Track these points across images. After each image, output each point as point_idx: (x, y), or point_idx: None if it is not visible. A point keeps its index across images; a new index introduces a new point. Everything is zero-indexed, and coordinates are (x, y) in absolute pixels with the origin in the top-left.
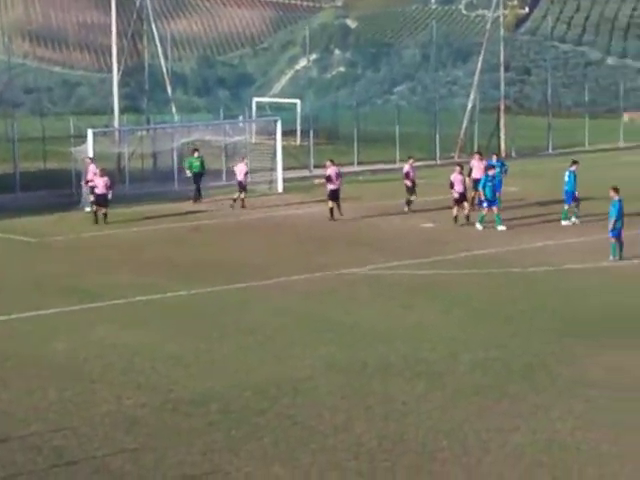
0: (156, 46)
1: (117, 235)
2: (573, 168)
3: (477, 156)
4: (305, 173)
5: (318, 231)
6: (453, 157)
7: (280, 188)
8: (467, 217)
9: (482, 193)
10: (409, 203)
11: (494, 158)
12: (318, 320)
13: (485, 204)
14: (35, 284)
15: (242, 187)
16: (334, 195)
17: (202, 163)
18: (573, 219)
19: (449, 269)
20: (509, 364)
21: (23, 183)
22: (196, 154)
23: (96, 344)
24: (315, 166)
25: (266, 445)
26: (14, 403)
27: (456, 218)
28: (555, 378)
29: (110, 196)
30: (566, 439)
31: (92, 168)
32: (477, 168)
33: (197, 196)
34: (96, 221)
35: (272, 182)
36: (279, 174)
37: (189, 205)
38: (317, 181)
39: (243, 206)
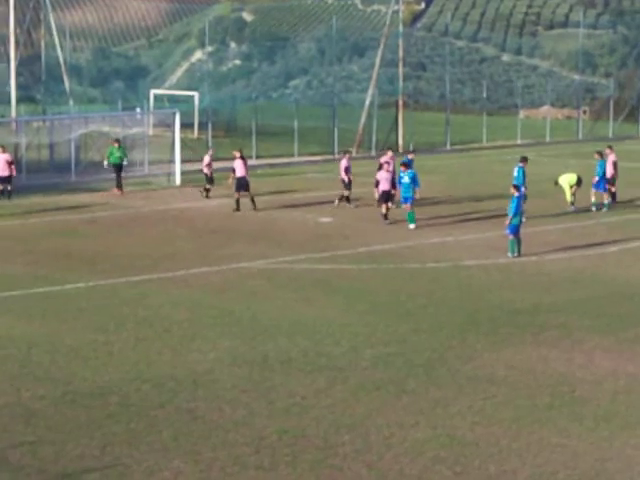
0: (52, 36)
1: (13, 226)
2: (522, 164)
3: (390, 153)
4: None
5: (216, 224)
6: (351, 152)
7: (178, 181)
8: (385, 216)
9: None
10: (342, 199)
11: (411, 155)
12: (218, 314)
13: (405, 201)
14: None
15: (208, 179)
16: (239, 185)
17: (123, 153)
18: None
19: (348, 264)
20: (410, 359)
21: None
22: (116, 144)
23: None
24: (213, 159)
25: (166, 439)
26: None
27: (385, 216)
28: (455, 373)
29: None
30: (466, 435)
31: (3, 158)
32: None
33: (120, 187)
34: None
35: (170, 174)
36: (177, 167)
37: (114, 195)
38: (230, 181)
39: (207, 196)
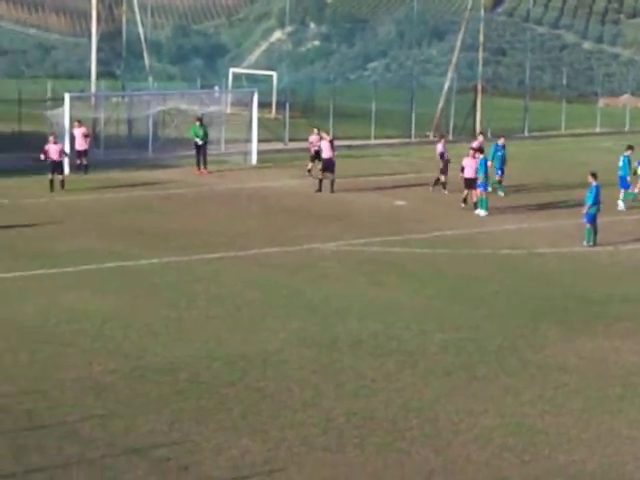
0: (133, 12)
1: (90, 201)
2: (628, 153)
3: (480, 138)
4: (279, 146)
5: (291, 204)
6: (428, 136)
7: (254, 160)
8: (464, 200)
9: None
10: (437, 183)
11: (501, 141)
12: (289, 294)
13: (482, 187)
14: (6, 246)
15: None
16: (325, 166)
17: (204, 131)
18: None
19: (421, 248)
20: (481, 345)
21: None
22: (198, 122)
23: (68, 309)
24: (290, 139)
25: (235, 417)
26: None
27: (464, 200)
28: (526, 362)
29: (67, 162)
30: (535, 423)
31: (81, 131)
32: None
33: (199, 164)
34: (52, 189)
35: (247, 154)
36: (254, 146)
37: (193, 173)
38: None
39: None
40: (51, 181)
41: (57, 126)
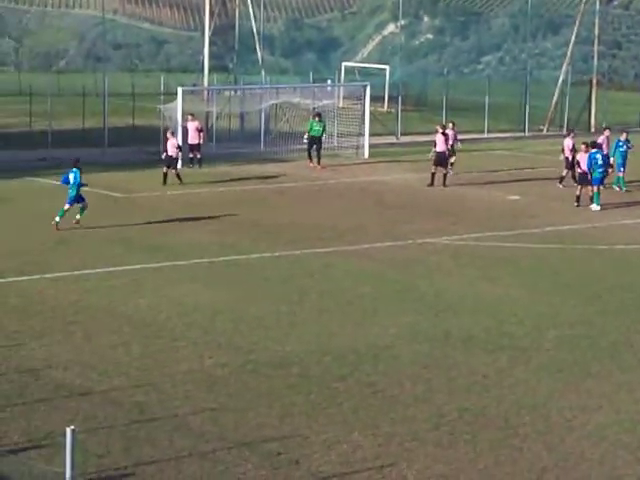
0: (246, 6)
1: (202, 194)
2: None
3: (606, 132)
4: (392, 140)
5: (402, 199)
6: (542, 130)
7: (366, 154)
8: (577, 198)
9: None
10: (563, 179)
11: (623, 136)
12: (401, 288)
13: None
14: (120, 240)
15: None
16: (438, 160)
17: (323, 128)
18: None
19: (534, 243)
20: (595, 342)
21: (111, 138)
22: (317, 118)
23: (179, 302)
24: (402, 133)
25: (346, 412)
26: (97, 357)
27: (578, 198)
28: None
29: (181, 156)
30: None
31: (193, 125)
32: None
33: (311, 159)
34: (164, 182)
35: (358, 148)
36: (366, 140)
37: (310, 168)
38: (430, 155)
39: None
40: (165, 175)
41: (170, 120)
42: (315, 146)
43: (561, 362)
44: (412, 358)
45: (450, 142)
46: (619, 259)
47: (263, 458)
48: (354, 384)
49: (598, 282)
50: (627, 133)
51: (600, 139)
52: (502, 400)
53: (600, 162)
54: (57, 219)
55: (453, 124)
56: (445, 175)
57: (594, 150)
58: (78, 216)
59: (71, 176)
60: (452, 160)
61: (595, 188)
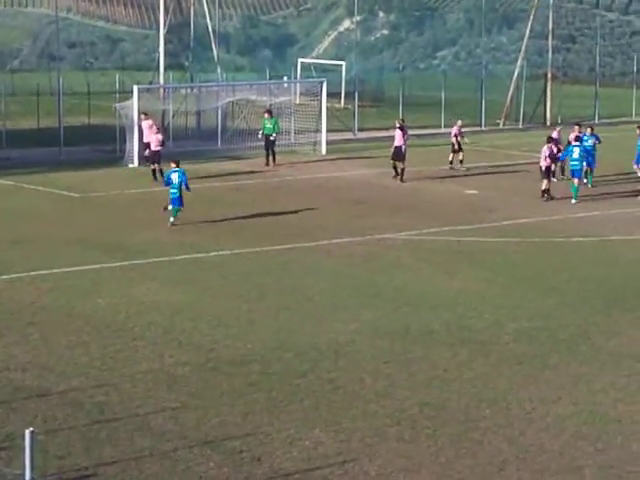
0: (201, 4)
1: (160, 193)
2: None
3: (577, 128)
4: (349, 136)
5: (361, 194)
6: (498, 124)
7: (324, 150)
8: (546, 191)
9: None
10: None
11: (588, 131)
12: (360, 284)
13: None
14: (77, 239)
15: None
16: (395, 154)
17: (275, 125)
18: None
19: (492, 237)
20: (553, 334)
21: (67, 138)
22: (267, 115)
23: (138, 301)
24: (359, 129)
25: (307, 408)
26: (55, 357)
27: (544, 192)
28: (598, 350)
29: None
30: (608, 411)
31: (147, 123)
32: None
33: (267, 159)
34: (155, 178)
35: (316, 144)
36: (323, 136)
37: (262, 165)
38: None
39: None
40: (153, 171)
41: (126, 118)
42: (268, 144)
43: (520, 355)
44: (372, 354)
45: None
46: (576, 252)
47: (225, 456)
48: (315, 380)
49: (556, 275)
50: (592, 128)
51: (554, 134)
52: (462, 394)
53: (576, 156)
54: (171, 220)
55: (461, 122)
56: (403, 170)
57: (575, 143)
58: (172, 219)
59: (174, 176)
60: (460, 157)
61: (576, 181)
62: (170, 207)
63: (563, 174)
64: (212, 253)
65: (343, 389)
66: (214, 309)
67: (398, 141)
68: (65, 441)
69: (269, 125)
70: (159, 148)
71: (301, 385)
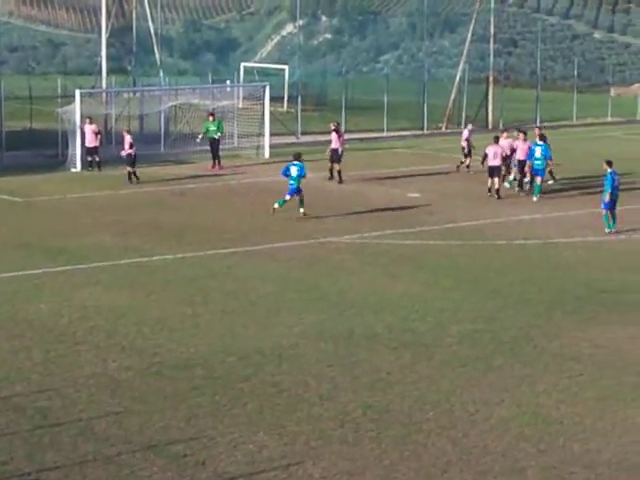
0: (143, 8)
1: (103, 197)
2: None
3: (522, 136)
4: (292, 139)
5: (305, 198)
6: (440, 127)
7: (267, 154)
8: (497, 191)
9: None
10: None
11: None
12: (304, 288)
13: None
14: (20, 244)
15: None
16: (332, 156)
17: (218, 127)
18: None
19: (435, 240)
20: (496, 336)
21: (9, 142)
22: (211, 118)
23: (81, 306)
24: (302, 133)
25: (251, 412)
26: None
27: (489, 189)
28: (541, 351)
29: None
30: (551, 413)
31: (91, 128)
32: (521, 150)
33: (214, 161)
34: (130, 180)
35: (259, 148)
36: (266, 140)
37: (206, 169)
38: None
39: (341, 181)
40: (129, 173)
41: (69, 123)
42: (213, 147)
43: (463, 357)
44: (316, 357)
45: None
46: (518, 254)
47: (169, 460)
48: (259, 384)
49: (498, 277)
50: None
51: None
52: (406, 396)
53: (538, 154)
54: (276, 205)
55: (470, 125)
56: (339, 172)
57: (540, 142)
58: (302, 209)
59: (293, 169)
60: (467, 162)
61: (539, 180)
62: (288, 197)
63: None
64: (156, 257)
65: (287, 392)
66: (158, 313)
67: (334, 143)
68: (7, 446)
69: (213, 128)
70: (131, 151)
71: (245, 389)
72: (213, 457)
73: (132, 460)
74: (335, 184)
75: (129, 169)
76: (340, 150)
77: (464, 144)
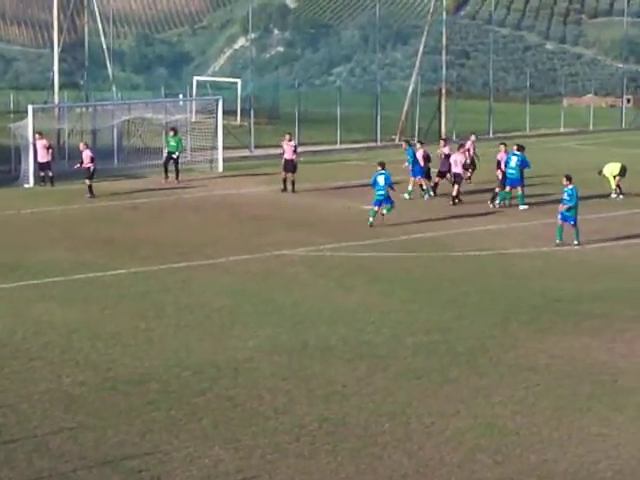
0: (95, 22)
1: (56, 212)
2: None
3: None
4: (245, 153)
5: (258, 211)
6: (394, 139)
7: (220, 167)
8: (454, 198)
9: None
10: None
11: (514, 148)
12: (259, 301)
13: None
14: None
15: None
16: (286, 166)
17: (178, 144)
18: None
19: (390, 251)
20: (452, 347)
21: None
22: (172, 133)
23: (35, 322)
24: (256, 146)
25: (206, 426)
26: None
27: (454, 198)
28: (497, 362)
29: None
30: (507, 424)
31: (42, 143)
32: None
33: (167, 175)
34: (91, 193)
35: (212, 161)
36: (220, 153)
37: (159, 183)
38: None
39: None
40: (89, 187)
41: (21, 138)
42: (172, 161)
43: (419, 369)
44: (271, 370)
45: (470, 155)
46: (473, 265)
47: (124, 476)
48: (214, 398)
49: (453, 288)
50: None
51: (468, 143)
52: (362, 409)
53: (513, 164)
54: (371, 220)
55: (475, 137)
56: (293, 182)
57: (516, 152)
58: (384, 212)
59: (380, 178)
60: (467, 174)
61: (519, 189)
62: (375, 208)
63: (493, 202)
64: (109, 272)
65: (242, 406)
66: (112, 328)
67: (288, 154)
68: None
69: (173, 143)
70: (90, 165)
71: (200, 403)
72: (169, 472)
73: (88, 476)
74: (289, 195)
75: (88, 182)
76: (294, 160)
77: (465, 155)
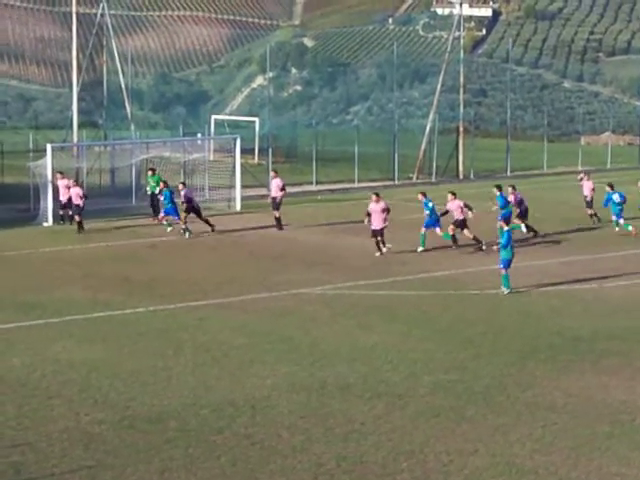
0: (114, 62)
1: (75, 251)
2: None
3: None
4: (263, 192)
5: (275, 250)
6: (411, 178)
7: (238, 206)
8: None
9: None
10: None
11: (608, 189)
12: (276, 339)
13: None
14: None
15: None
16: (275, 204)
17: (157, 182)
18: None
19: (407, 290)
20: (469, 386)
21: None
22: (150, 173)
23: (53, 360)
24: None
25: (224, 464)
26: None
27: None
28: (514, 401)
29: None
30: (525, 462)
31: (63, 183)
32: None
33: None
34: (80, 230)
35: (230, 200)
36: (237, 192)
37: (150, 222)
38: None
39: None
40: (79, 223)
41: (40, 177)
42: (153, 200)
43: (437, 407)
44: (289, 408)
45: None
46: (490, 303)
47: None
48: (232, 436)
49: (471, 327)
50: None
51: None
52: (380, 447)
53: (617, 200)
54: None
55: (513, 188)
56: (278, 219)
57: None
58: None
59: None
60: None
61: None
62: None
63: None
64: (127, 310)
65: (260, 444)
66: (130, 366)
67: (275, 192)
68: None
69: (152, 183)
70: (80, 202)
71: (218, 441)
72: None
73: None
74: (307, 233)
75: (78, 219)
76: (278, 198)
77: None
